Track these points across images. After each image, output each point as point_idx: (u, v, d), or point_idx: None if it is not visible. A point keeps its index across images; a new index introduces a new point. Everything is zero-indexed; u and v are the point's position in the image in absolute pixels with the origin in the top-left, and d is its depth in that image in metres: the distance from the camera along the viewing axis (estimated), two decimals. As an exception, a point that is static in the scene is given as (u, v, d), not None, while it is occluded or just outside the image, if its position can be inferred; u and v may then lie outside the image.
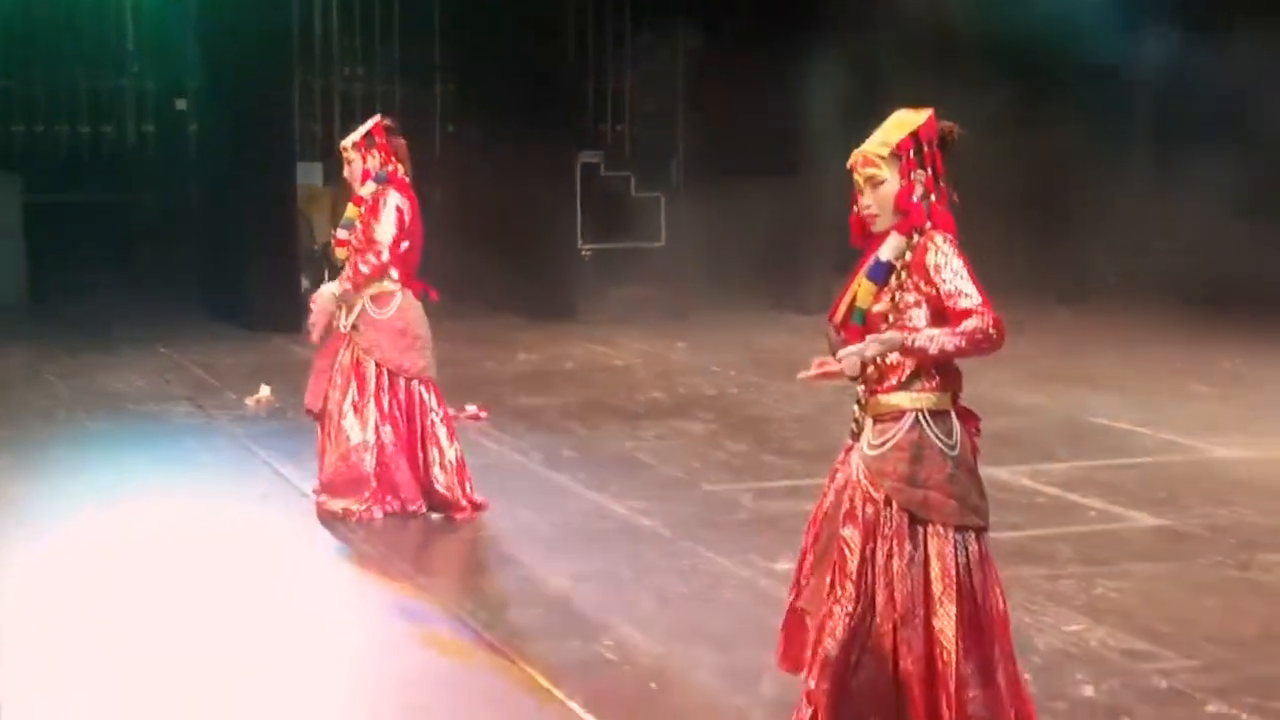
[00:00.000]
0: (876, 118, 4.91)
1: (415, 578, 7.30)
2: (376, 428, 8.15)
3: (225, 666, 6.11)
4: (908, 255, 4.70)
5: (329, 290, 8.24)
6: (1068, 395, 11.65)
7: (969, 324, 4.57)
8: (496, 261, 15.62)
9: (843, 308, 4.81)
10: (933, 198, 4.74)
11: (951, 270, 4.63)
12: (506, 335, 14.54)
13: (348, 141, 8.33)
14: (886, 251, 4.74)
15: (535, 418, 10.83)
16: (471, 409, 10.67)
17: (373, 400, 8.15)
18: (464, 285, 14.79)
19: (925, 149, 4.74)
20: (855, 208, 4.83)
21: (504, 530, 8.08)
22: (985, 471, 4.88)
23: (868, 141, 4.81)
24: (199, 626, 6.58)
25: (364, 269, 8.10)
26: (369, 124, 8.34)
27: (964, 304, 4.60)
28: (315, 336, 8.34)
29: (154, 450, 9.88)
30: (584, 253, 18.30)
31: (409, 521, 8.13)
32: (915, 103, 4.90)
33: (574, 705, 5.68)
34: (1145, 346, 13.80)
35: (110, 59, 17.93)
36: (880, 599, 4.71)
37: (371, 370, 8.17)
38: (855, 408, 4.87)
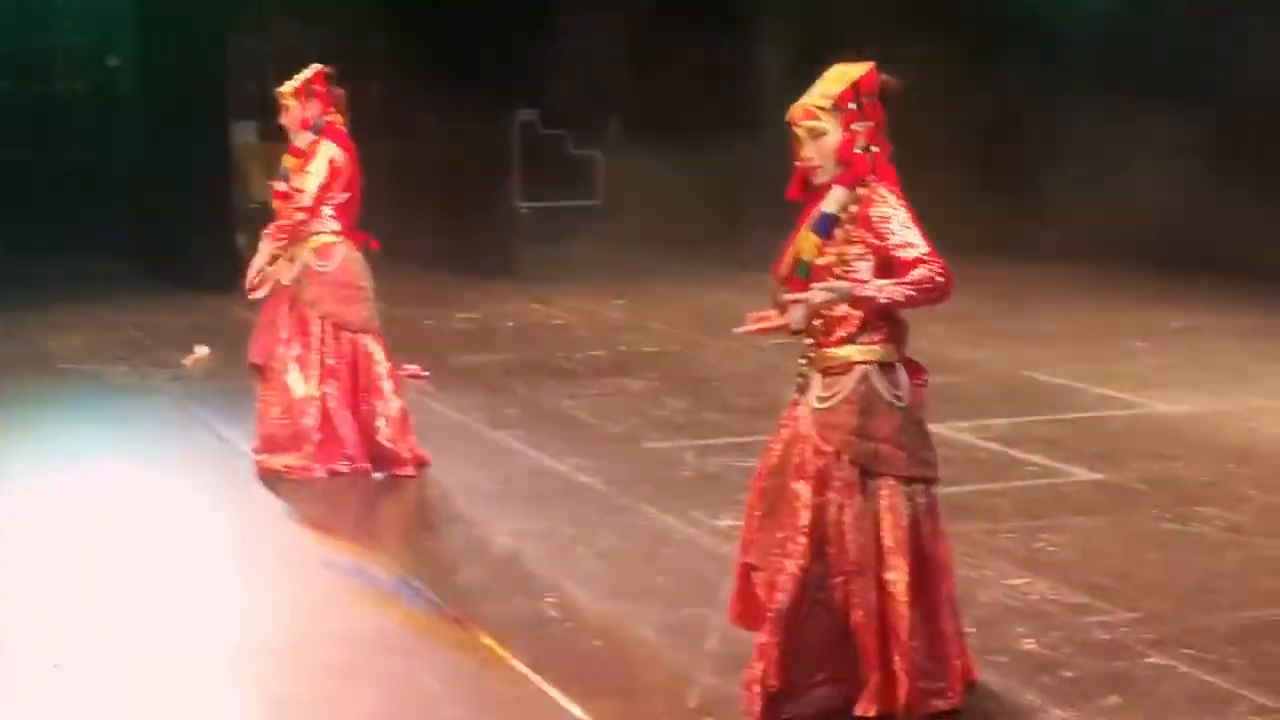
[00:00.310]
0: (819, 73, 4.90)
1: (358, 536, 7.28)
2: (320, 382, 8.09)
3: (161, 628, 6.07)
4: (852, 208, 4.69)
5: (264, 246, 8.18)
6: (1008, 351, 11.70)
7: (917, 273, 4.57)
8: (434, 220, 15.55)
9: (787, 261, 4.81)
10: (874, 149, 4.73)
11: (898, 222, 4.63)
12: (445, 294, 14.48)
13: (286, 88, 8.21)
14: (830, 204, 4.73)
15: (475, 376, 10.79)
16: (412, 368, 10.63)
17: (317, 354, 8.09)
18: (401, 243, 14.68)
19: (865, 101, 4.73)
20: (797, 161, 4.82)
21: (446, 489, 8.05)
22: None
23: (808, 94, 4.79)
24: (135, 589, 6.53)
25: (287, 220, 8.04)
26: (308, 71, 8.25)
27: (911, 254, 4.60)
28: (255, 293, 8.27)
29: (91, 410, 9.80)
30: (522, 210, 18.24)
31: (351, 480, 8.09)
32: (858, 57, 4.89)
33: (518, 664, 5.66)
34: (1087, 303, 13.87)
35: (41, 16, 17.68)
36: (831, 552, 4.72)
37: (316, 324, 8.11)
38: (801, 362, 4.87)
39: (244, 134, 16.28)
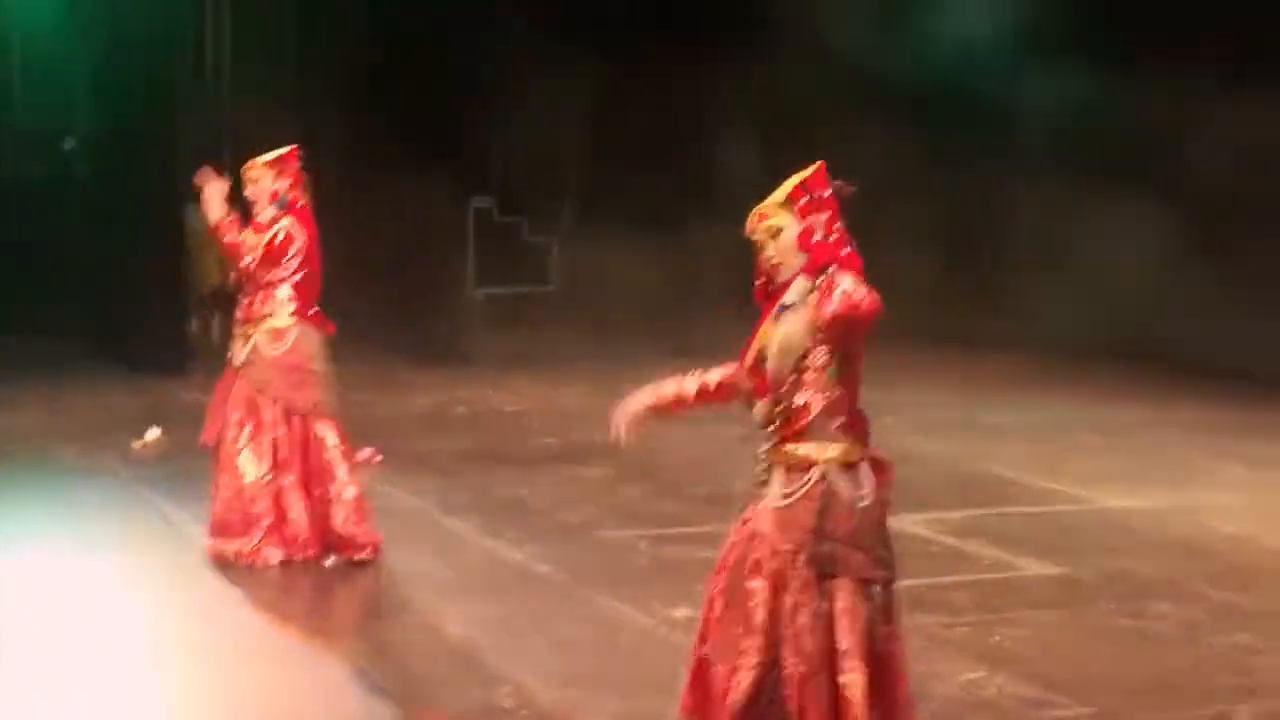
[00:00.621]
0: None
1: (310, 624, 7.20)
2: (272, 466, 8.02)
3: (107, 714, 5.98)
4: (810, 297, 4.65)
5: None
6: (961, 442, 11.71)
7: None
8: (388, 305, 15.53)
9: (751, 353, 4.80)
10: (832, 238, 4.70)
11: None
12: (399, 378, 14.43)
13: (260, 160, 8.18)
14: (791, 295, 4.72)
15: (429, 462, 10.74)
16: (366, 452, 10.56)
17: (269, 437, 8.04)
18: (356, 328, 14.65)
19: (816, 195, 4.72)
20: (758, 273, 4.81)
21: (400, 577, 7.99)
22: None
23: (761, 204, 4.80)
24: (79, 673, 6.45)
25: (239, 260, 8.05)
26: (284, 149, 8.23)
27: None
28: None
29: (39, 491, 9.69)
30: (477, 296, 18.26)
31: (303, 567, 8.02)
32: (808, 152, 4.92)
33: (472, 755, 5.62)
34: (1038, 397, 13.90)
35: (-3, 98, 17.66)
36: (786, 653, 4.67)
37: (268, 408, 8.06)
38: (760, 456, 4.84)
39: (197, 218, 16.24)
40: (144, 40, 14.90)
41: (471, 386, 14.13)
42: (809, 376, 4.67)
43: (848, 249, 4.71)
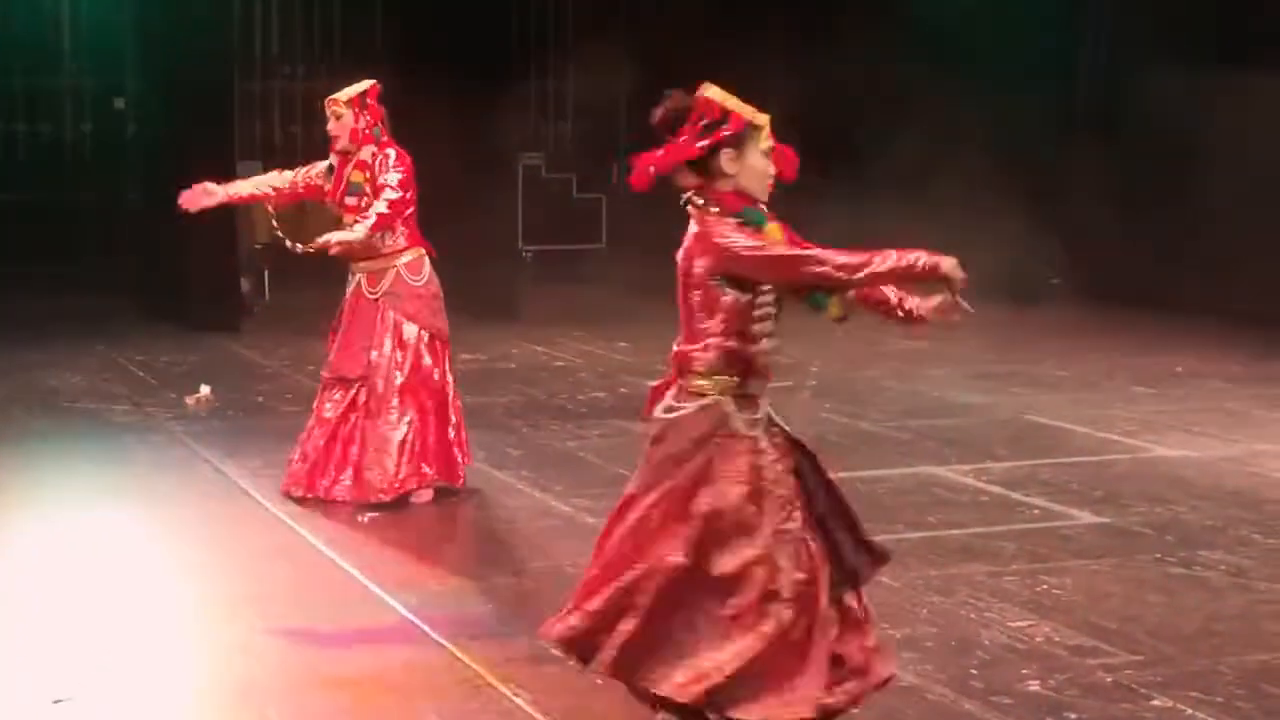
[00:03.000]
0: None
1: (365, 571, 7.25)
2: (414, 397, 8.25)
3: (162, 667, 6.06)
4: None
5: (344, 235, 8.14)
6: (1010, 394, 11.69)
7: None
8: (437, 262, 15.54)
9: None
10: None
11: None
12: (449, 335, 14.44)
13: (342, 95, 8.25)
14: None
15: (479, 416, 10.75)
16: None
17: (412, 368, 8.24)
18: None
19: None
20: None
21: (451, 528, 8.04)
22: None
23: None
24: (137, 625, 6.54)
25: (383, 209, 8.07)
26: (364, 84, 8.28)
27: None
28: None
29: (93, 448, 9.79)
30: (525, 253, 18.30)
31: (357, 515, 8.15)
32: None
33: (521, 703, 5.66)
34: (1088, 347, 13.86)
35: (48, 58, 17.74)
36: None
37: (414, 336, 8.23)
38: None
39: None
40: (193, -2, 14.95)
41: (519, 342, 14.17)
42: None
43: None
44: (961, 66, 15.51)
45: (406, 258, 8.27)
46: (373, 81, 8.33)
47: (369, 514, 8.13)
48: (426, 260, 8.35)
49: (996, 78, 15.70)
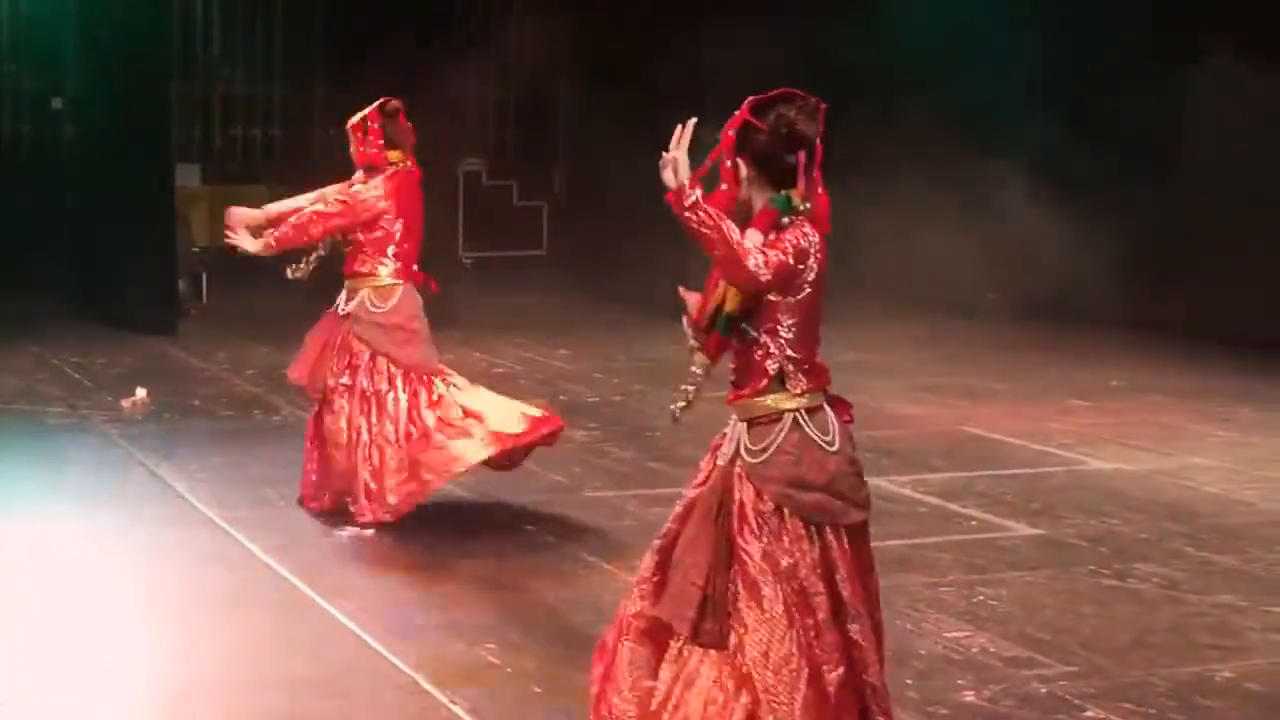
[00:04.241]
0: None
1: (303, 577, 7.21)
2: (366, 419, 8.13)
3: (95, 671, 6.02)
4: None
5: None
6: (948, 407, 11.76)
7: (745, 242, 4.39)
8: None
9: (709, 311, 4.61)
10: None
11: (781, 241, 4.46)
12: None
13: (352, 121, 8.24)
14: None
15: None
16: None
17: (371, 392, 8.13)
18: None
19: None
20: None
21: (389, 534, 8.00)
22: (868, 482, 4.81)
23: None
24: (70, 629, 6.48)
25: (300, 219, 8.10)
26: (370, 107, 8.28)
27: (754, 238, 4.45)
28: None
29: (28, 450, 9.69)
30: (465, 261, 18.26)
31: (302, 521, 8.12)
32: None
33: (459, 710, 5.65)
34: (1025, 360, 13.94)
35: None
36: (795, 609, 4.51)
37: (370, 360, 8.15)
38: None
39: (188, 177, 16.26)
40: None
41: (460, 349, 14.10)
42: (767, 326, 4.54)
43: (808, 204, 4.54)
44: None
45: (379, 283, 8.20)
46: (377, 102, 8.29)
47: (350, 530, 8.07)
48: (401, 291, 8.21)
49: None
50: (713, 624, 4.55)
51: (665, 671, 4.66)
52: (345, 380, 8.12)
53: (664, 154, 4.32)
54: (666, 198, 4.33)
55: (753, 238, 4.48)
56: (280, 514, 8.22)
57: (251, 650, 6.33)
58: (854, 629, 4.56)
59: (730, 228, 4.34)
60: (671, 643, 4.67)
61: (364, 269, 8.21)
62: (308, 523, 8.10)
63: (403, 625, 6.60)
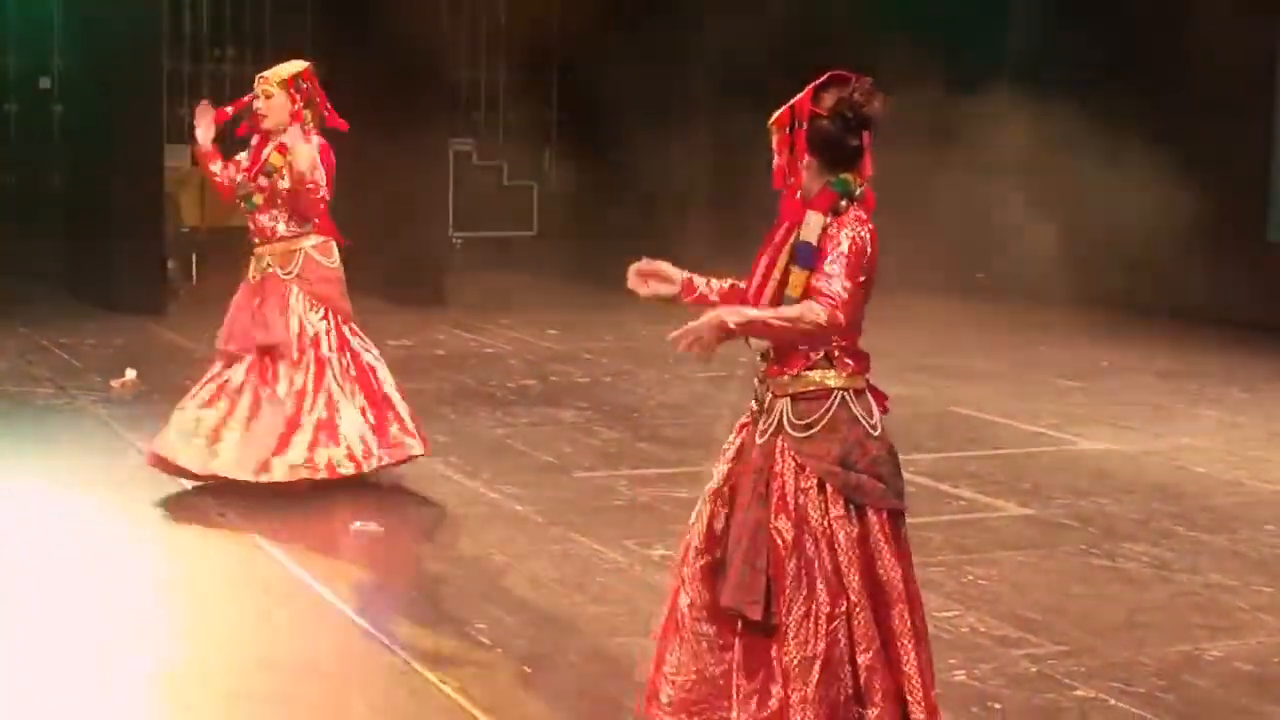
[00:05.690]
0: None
1: (290, 558, 7.21)
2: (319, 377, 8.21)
3: (82, 650, 6.01)
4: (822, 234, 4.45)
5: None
6: (938, 387, 11.76)
7: (796, 308, 4.35)
8: (367, 247, 15.44)
9: (767, 295, 4.50)
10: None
11: (839, 251, 4.39)
12: (377, 321, 14.32)
13: (274, 75, 8.15)
14: (808, 232, 4.45)
15: (407, 402, 10.71)
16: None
17: (328, 350, 8.24)
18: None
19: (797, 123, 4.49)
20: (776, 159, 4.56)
21: (377, 514, 8.00)
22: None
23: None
24: (55, 609, 6.47)
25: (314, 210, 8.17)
26: (298, 65, 8.22)
27: (817, 284, 4.36)
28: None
29: (17, 431, 9.68)
30: (455, 240, 18.24)
31: (291, 500, 8.05)
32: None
33: (449, 690, 5.65)
34: (1015, 341, 13.95)
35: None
36: (824, 590, 4.48)
37: (322, 319, 8.26)
38: (757, 384, 4.63)
39: (177, 157, 16.19)
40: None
41: (449, 329, 14.13)
42: None
43: (863, 186, 4.51)
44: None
45: (312, 241, 8.28)
46: (306, 63, 8.25)
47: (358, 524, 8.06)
48: (334, 245, 8.37)
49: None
50: (777, 606, 4.51)
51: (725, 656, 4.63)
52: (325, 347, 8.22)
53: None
54: (723, 337, 4.38)
55: (813, 221, 4.44)
56: (270, 497, 8.20)
57: (242, 632, 6.32)
58: (893, 613, 4.52)
59: (780, 312, 4.37)
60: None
61: (293, 230, 8.26)
62: (298, 505, 8.08)
63: (393, 607, 6.60)
